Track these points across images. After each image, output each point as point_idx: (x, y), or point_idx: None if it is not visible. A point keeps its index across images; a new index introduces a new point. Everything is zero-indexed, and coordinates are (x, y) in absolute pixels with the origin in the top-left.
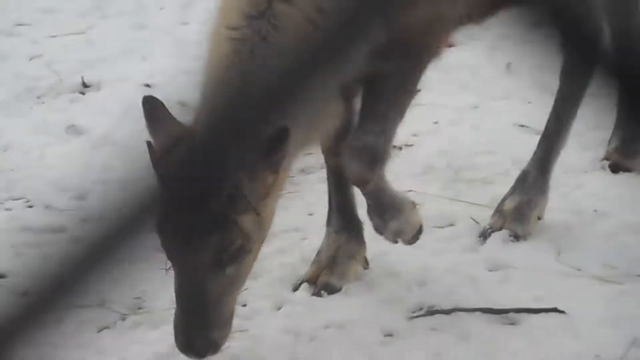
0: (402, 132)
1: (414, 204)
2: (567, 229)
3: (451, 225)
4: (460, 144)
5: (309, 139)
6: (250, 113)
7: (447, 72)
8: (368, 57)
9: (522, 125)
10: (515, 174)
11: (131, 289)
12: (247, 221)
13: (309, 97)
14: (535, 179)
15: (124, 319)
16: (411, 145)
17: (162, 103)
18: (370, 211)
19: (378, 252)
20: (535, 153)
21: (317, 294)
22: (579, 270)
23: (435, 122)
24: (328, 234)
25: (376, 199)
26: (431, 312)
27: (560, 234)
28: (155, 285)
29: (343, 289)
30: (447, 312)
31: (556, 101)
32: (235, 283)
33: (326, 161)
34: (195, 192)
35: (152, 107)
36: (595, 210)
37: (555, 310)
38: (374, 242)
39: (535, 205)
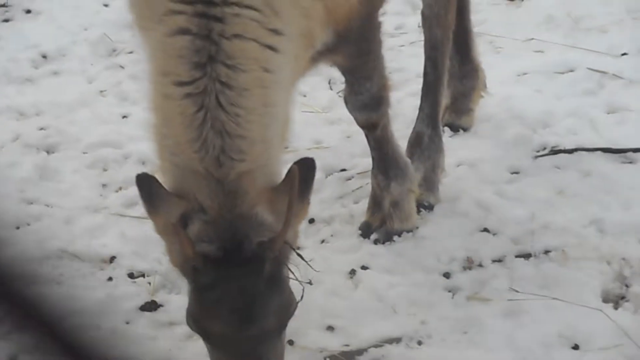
0: None
1: (414, 193)
2: None
3: (571, 71)
4: None
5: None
6: (240, 165)
7: None
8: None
9: None
10: (630, 23)
11: None
12: (290, 264)
13: (280, 117)
14: (430, 140)
15: None
16: None
17: (155, 179)
18: (375, 168)
19: (503, 96)
20: (420, 112)
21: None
22: None
23: None
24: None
25: (384, 151)
26: (555, 151)
27: None
28: None
29: (472, 130)
30: (570, 151)
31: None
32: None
33: None
34: (251, 264)
35: (150, 187)
36: None
37: None
38: (499, 87)
39: (439, 169)
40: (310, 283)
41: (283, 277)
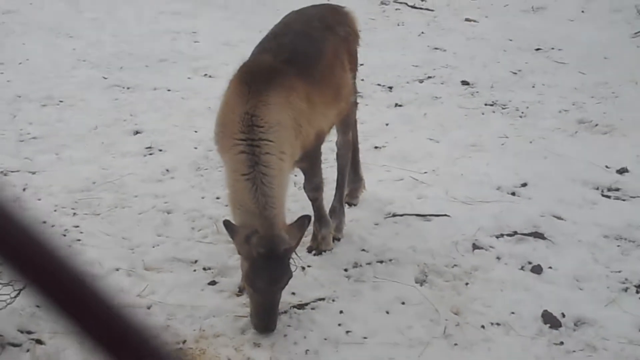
0: (382, 140)
1: (332, 233)
2: (453, 182)
3: (402, 179)
4: (405, 147)
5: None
6: (274, 210)
7: (401, 115)
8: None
9: (431, 139)
10: (428, 158)
11: None
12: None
13: (286, 188)
14: (339, 209)
15: None
16: (385, 146)
17: (231, 222)
18: (314, 220)
19: (372, 191)
20: (335, 196)
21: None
22: (454, 199)
23: (395, 137)
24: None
25: (319, 212)
26: (394, 215)
27: (447, 184)
28: None
29: (358, 205)
30: (401, 215)
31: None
32: None
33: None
34: (279, 257)
35: (230, 226)
36: (462, 174)
37: (446, 215)
38: (370, 187)
39: (343, 222)
40: (304, 267)
41: (289, 263)
